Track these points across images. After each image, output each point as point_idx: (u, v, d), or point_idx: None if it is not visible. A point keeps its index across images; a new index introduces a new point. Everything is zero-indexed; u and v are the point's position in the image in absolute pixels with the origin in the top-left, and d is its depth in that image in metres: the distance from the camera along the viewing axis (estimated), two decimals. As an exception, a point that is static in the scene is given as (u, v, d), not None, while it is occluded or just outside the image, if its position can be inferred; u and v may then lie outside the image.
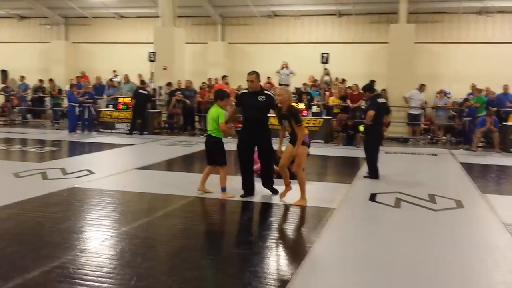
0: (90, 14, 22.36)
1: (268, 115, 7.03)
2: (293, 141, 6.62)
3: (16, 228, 5.32)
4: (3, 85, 19.67)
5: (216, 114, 6.81)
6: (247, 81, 6.86)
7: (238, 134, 7.37)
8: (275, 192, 7.04)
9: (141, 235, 5.21)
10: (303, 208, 6.46)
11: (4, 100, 18.86)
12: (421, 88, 15.84)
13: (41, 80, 20.49)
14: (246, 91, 7.03)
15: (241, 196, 6.86)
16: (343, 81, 17.97)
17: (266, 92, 6.97)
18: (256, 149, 6.98)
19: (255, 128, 6.83)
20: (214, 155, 6.97)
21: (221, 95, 7.02)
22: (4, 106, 18.73)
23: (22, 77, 20.37)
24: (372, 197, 7.18)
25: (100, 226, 5.44)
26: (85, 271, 4.05)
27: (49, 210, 6.06)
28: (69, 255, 4.43)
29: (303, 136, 6.43)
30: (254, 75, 6.80)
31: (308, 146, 6.64)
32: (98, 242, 4.85)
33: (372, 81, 14.44)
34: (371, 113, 8.44)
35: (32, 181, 7.79)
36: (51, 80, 19.64)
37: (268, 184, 7.10)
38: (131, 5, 21.15)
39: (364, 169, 9.19)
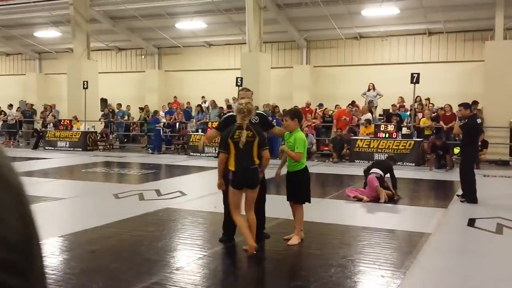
0: (181, 43, 23.56)
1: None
2: None
3: (117, 245, 5.65)
4: (102, 112, 21.15)
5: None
6: (240, 98, 5.68)
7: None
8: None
9: (232, 255, 5.32)
10: (394, 233, 6.23)
11: (104, 127, 20.24)
12: None
13: (141, 108, 21.61)
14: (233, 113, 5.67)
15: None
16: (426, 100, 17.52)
17: (258, 112, 5.76)
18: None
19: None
20: None
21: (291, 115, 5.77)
22: (104, 132, 20.08)
23: (119, 105, 21.74)
24: (471, 223, 6.78)
25: (194, 246, 5.61)
26: (181, 288, 4.19)
27: (146, 229, 6.36)
28: (166, 272, 4.60)
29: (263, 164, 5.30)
30: (250, 92, 5.72)
31: (231, 185, 5.14)
32: (192, 260, 4.99)
33: (474, 102, 13.94)
34: (458, 130, 8.79)
35: (130, 201, 8.24)
36: (145, 107, 20.78)
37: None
38: (219, 33, 22.03)
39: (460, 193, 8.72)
